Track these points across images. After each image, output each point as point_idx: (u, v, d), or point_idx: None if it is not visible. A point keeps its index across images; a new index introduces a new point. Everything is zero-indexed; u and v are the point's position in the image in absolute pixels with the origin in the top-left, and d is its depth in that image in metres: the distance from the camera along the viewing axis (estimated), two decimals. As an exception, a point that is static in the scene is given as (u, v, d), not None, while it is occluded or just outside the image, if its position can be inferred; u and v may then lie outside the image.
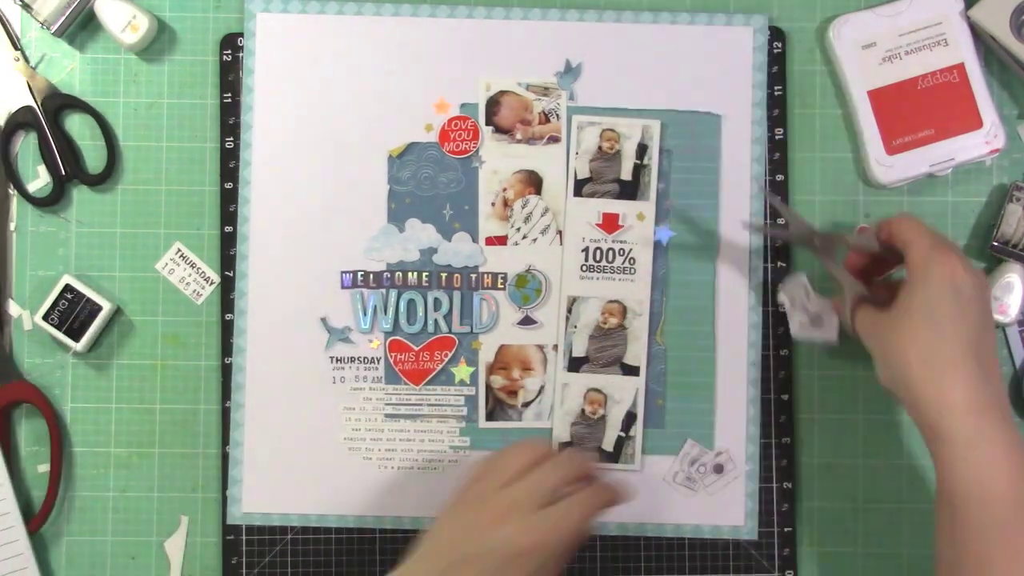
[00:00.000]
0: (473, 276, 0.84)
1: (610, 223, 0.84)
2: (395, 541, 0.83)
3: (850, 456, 0.84)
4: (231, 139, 0.84)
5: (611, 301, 0.83)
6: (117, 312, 0.84)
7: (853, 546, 0.84)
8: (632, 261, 0.84)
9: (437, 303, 0.84)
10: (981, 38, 0.83)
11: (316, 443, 0.83)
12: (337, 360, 0.83)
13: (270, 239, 0.83)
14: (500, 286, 0.84)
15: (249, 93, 0.84)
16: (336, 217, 0.84)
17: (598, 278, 0.84)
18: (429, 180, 0.84)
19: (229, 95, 0.84)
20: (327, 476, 0.83)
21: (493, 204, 0.84)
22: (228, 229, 0.84)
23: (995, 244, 0.83)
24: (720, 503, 0.83)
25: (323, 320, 0.83)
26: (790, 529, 0.83)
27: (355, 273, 0.84)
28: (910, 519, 0.84)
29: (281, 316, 0.83)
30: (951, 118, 0.82)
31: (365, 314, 0.83)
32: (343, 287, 0.84)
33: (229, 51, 0.84)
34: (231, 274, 0.84)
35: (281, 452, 0.83)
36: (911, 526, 0.84)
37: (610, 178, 0.84)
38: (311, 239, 0.83)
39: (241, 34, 0.84)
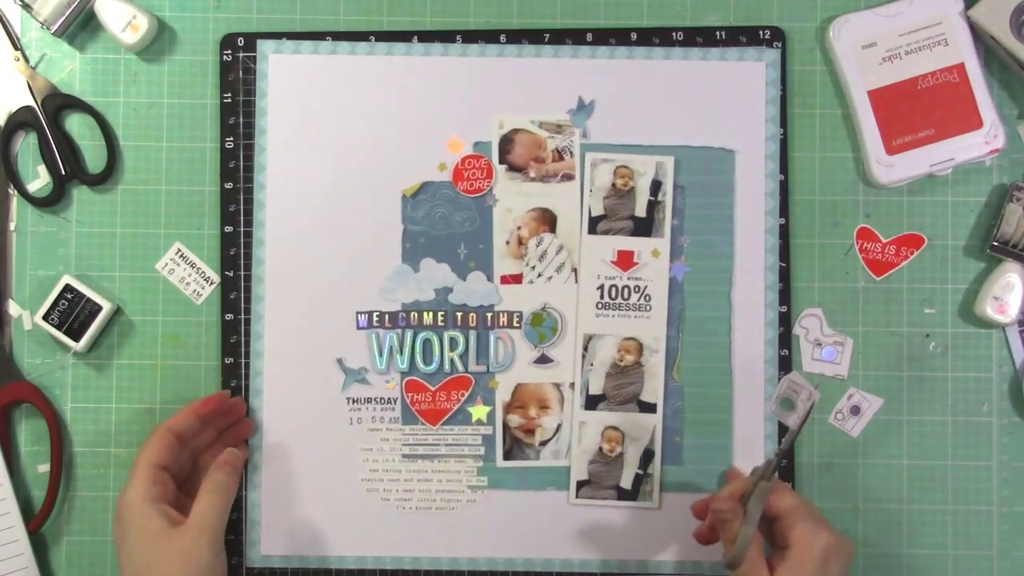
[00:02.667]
0: (488, 315, 0.84)
1: (625, 260, 0.83)
2: None
3: (850, 456, 0.84)
4: (231, 139, 0.84)
5: (627, 338, 0.83)
6: (117, 312, 0.84)
7: (853, 546, 0.83)
8: (647, 298, 0.83)
9: (453, 342, 0.83)
10: (981, 38, 0.83)
11: (334, 484, 0.83)
12: (354, 401, 0.83)
13: (285, 281, 0.83)
14: (516, 325, 0.84)
15: (262, 134, 0.84)
16: (351, 257, 0.83)
17: (614, 315, 0.83)
18: (443, 219, 0.84)
19: (229, 95, 0.84)
20: (345, 517, 0.83)
21: (508, 242, 0.84)
22: (228, 229, 0.84)
23: (995, 244, 0.83)
24: None
25: (339, 361, 0.83)
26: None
27: (370, 313, 0.83)
28: (910, 519, 0.84)
29: (297, 357, 0.83)
30: (951, 118, 0.82)
31: (381, 354, 0.83)
32: (359, 328, 0.83)
33: (229, 51, 0.84)
34: (231, 274, 0.84)
35: (299, 494, 0.83)
36: (911, 526, 0.84)
37: (624, 215, 0.84)
38: (326, 280, 0.83)
39: (240, 35, 0.84)
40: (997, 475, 0.84)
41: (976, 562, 0.83)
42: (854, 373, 0.84)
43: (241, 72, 0.84)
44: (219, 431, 0.82)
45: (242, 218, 0.84)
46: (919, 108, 0.82)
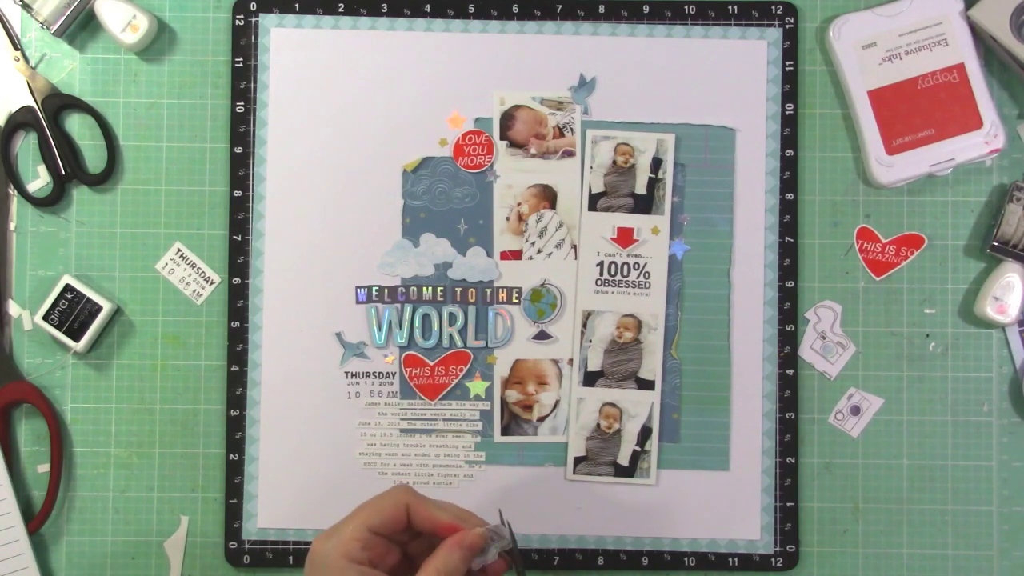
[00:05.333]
0: (488, 291, 0.84)
1: (625, 237, 0.83)
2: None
3: (850, 456, 0.84)
4: (240, 146, 0.84)
5: (626, 315, 0.83)
6: (117, 312, 0.84)
7: (853, 546, 0.84)
8: (647, 275, 0.83)
9: (452, 318, 0.84)
10: (981, 38, 0.83)
11: (331, 458, 0.83)
12: (352, 375, 0.83)
13: (285, 254, 0.83)
14: (515, 300, 0.84)
15: (263, 107, 0.84)
16: (351, 232, 0.84)
17: (613, 292, 0.83)
18: (444, 195, 0.84)
19: (242, 103, 0.84)
20: (342, 491, 0.83)
21: (508, 218, 0.84)
22: (237, 238, 0.84)
23: (995, 244, 0.83)
24: (736, 517, 0.83)
25: (338, 335, 0.83)
26: (791, 528, 0.83)
27: (370, 288, 0.84)
28: (910, 519, 0.84)
29: (296, 331, 0.83)
30: (951, 118, 0.82)
31: (380, 329, 0.83)
32: (358, 302, 0.84)
33: (240, 59, 0.84)
34: (238, 281, 0.84)
35: (297, 467, 0.83)
36: (911, 526, 0.84)
37: (625, 192, 0.84)
38: (326, 254, 0.83)
39: (244, 38, 0.84)
40: (997, 475, 0.84)
41: (976, 562, 0.83)
42: (854, 373, 0.84)
43: (253, 37, 0.84)
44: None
45: (248, 211, 0.84)
46: (919, 108, 0.82)
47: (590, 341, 0.83)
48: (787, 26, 0.84)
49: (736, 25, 0.84)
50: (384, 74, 0.84)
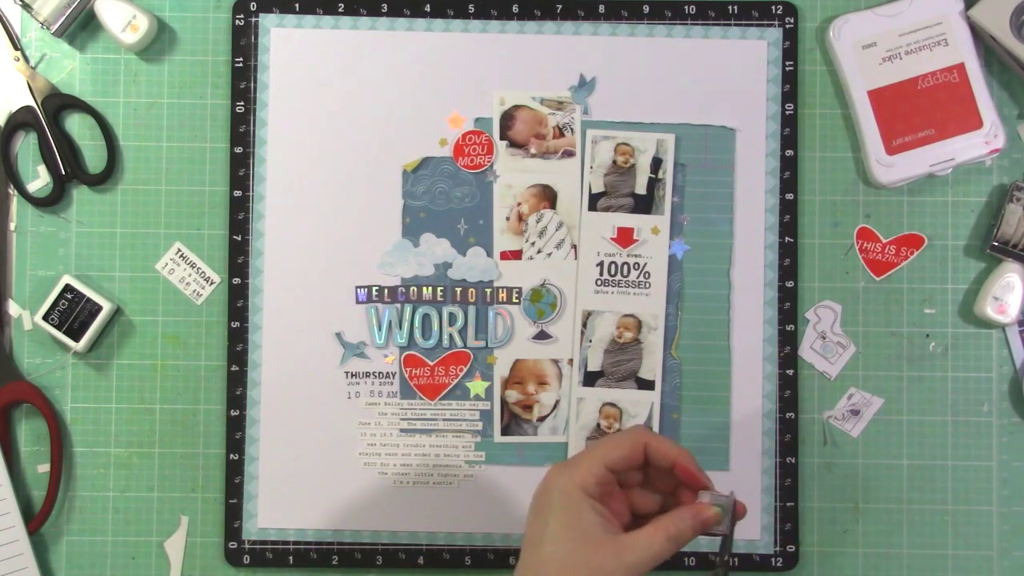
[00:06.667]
0: (488, 291, 0.84)
1: (625, 237, 0.83)
2: (410, 555, 0.83)
3: (850, 456, 0.84)
4: (240, 146, 0.84)
5: (626, 315, 0.83)
6: (117, 312, 0.84)
7: (853, 546, 0.84)
8: (647, 275, 0.83)
9: (452, 318, 0.84)
10: (981, 38, 0.83)
11: (331, 458, 0.83)
12: (352, 375, 0.83)
13: (285, 254, 0.83)
14: (515, 300, 0.84)
15: (263, 107, 0.84)
16: (351, 232, 0.84)
17: (613, 292, 0.83)
18: (444, 195, 0.84)
19: (242, 103, 0.84)
20: (342, 491, 0.83)
21: (508, 218, 0.84)
22: (237, 238, 0.84)
23: (995, 244, 0.83)
24: None
25: (338, 335, 0.83)
26: (790, 528, 0.83)
27: (370, 288, 0.84)
28: (910, 519, 0.84)
29: (296, 331, 0.83)
30: (951, 118, 0.82)
31: (380, 329, 0.83)
32: (358, 302, 0.84)
33: (240, 59, 0.84)
34: (238, 281, 0.84)
35: (296, 467, 0.83)
36: (911, 526, 0.84)
37: (625, 192, 0.84)
38: (326, 254, 0.83)
39: (244, 38, 0.84)
40: (997, 475, 0.84)
41: (976, 562, 0.83)
42: (854, 373, 0.84)
43: (253, 37, 0.84)
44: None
45: (248, 211, 0.84)
46: (919, 108, 0.82)
47: (590, 341, 0.83)
48: (787, 26, 0.84)
49: (736, 25, 0.84)
50: (384, 74, 0.84)
